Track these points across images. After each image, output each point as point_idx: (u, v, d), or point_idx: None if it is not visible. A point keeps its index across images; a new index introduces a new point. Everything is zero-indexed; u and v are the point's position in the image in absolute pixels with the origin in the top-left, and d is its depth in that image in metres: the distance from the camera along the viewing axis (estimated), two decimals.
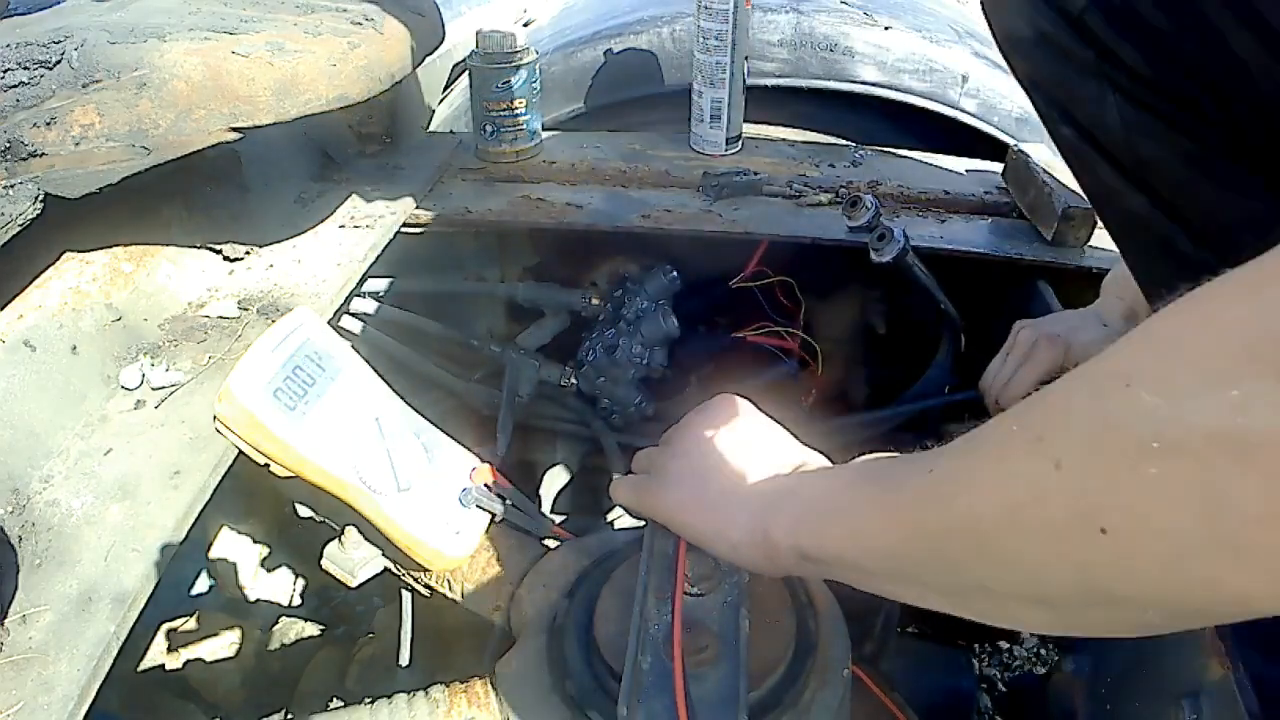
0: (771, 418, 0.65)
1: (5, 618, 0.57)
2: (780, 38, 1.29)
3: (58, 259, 0.80)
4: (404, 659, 0.88)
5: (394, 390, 0.75)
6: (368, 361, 0.73)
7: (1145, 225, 0.70)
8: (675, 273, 1.16)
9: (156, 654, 1.01)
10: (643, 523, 0.69)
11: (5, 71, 0.66)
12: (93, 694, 0.55)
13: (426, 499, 0.72)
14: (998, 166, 1.20)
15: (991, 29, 0.77)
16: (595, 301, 1.19)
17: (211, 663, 1.04)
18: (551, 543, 0.81)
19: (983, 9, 0.78)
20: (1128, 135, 0.66)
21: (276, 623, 1.13)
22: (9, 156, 0.66)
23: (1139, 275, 0.76)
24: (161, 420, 0.73)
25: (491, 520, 0.77)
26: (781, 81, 1.29)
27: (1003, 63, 0.81)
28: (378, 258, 0.99)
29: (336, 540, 0.75)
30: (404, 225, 1.06)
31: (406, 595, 0.85)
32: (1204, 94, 0.61)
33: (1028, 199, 1.11)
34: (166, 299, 0.86)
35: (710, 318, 1.27)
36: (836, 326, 1.32)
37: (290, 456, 0.65)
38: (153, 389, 0.76)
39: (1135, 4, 0.62)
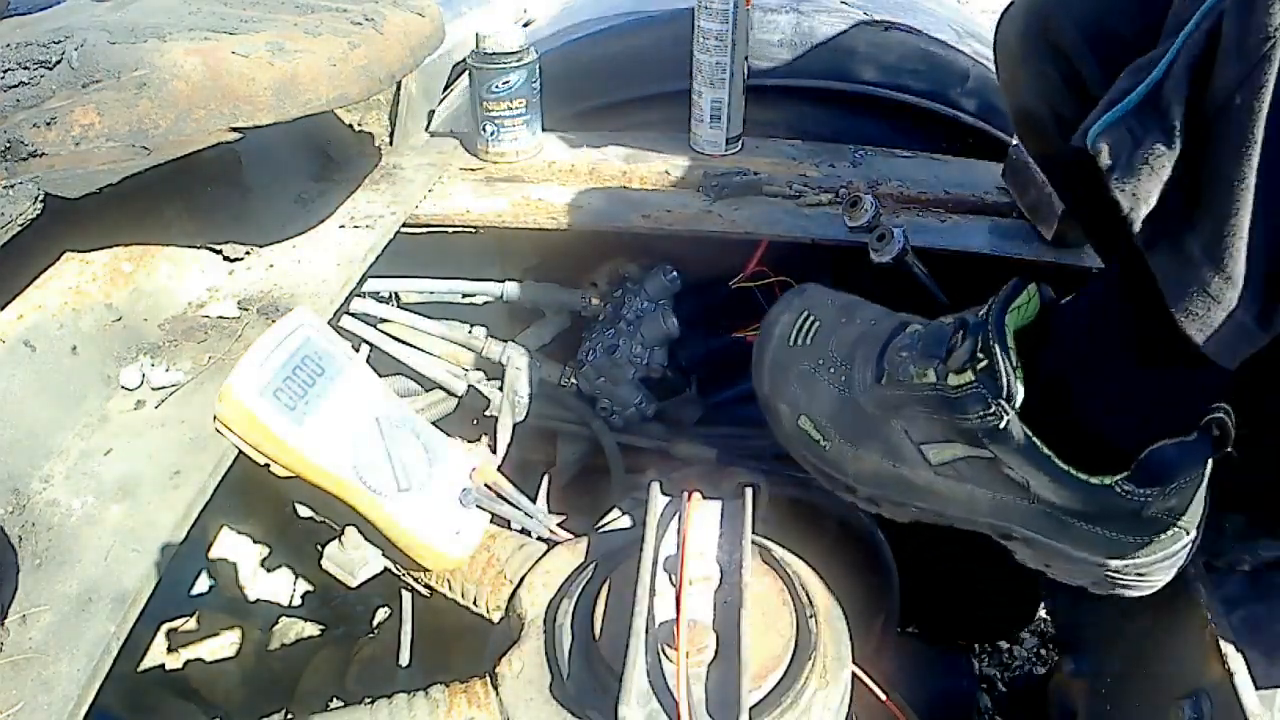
0: None
1: (5, 618, 0.57)
2: (780, 38, 1.29)
3: (58, 259, 0.80)
4: (404, 659, 0.88)
5: (394, 390, 0.75)
6: (368, 361, 0.73)
7: None
8: (675, 273, 1.16)
9: (156, 654, 1.01)
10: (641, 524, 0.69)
11: (5, 71, 0.66)
12: (93, 694, 0.55)
13: (426, 499, 0.72)
14: (998, 166, 1.20)
15: (1008, 105, 0.78)
16: (595, 301, 1.19)
17: (211, 663, 1.04)
18: (552, 542, 0.81)
19: (1000, 84, 0.79)
20: None
21: (276, 623, 1.13)
22: (9, 156, 0.66)
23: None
24: (161, 420, 0.73)
25: (491, 520, 0.77)
26: (781, 81, 1.29)
27: None
28: (378, 258, 0.99)
29: (336, 540, 0.75)
30: (404, 225, 1.06)
31: (406, 595, 0.85)
32: None
33: (1028, 199, 1.11)
34: (166, 299, 0.86)
35: (710, 318, 1.27)
36: None
37: (290, 456, 0.65)
38: (153, 389, 0.76)
39: (1164, 94, 0.60)
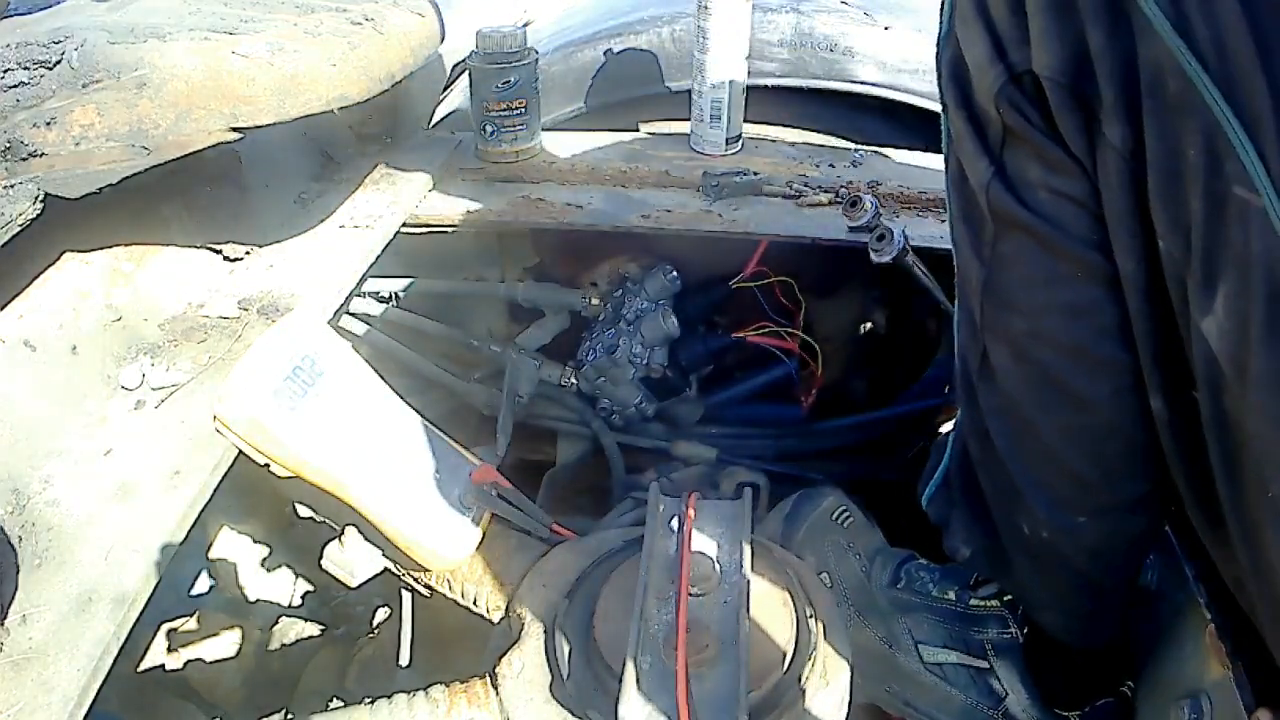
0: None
1: (5, 618, 0.57)
2: (780, 38, 1.29)
3: (58, 259, 0.80)
4: (404, 659, 0.88)
5: (394, 390, 0.75)
6: (368, 361, 0.74)
7: None
8: (675, 273, 1.16)
9: (156, 654, 1.01)
10: (641, 524, 0.70)
11: (5, 71, 0.66)
12: (93, 694, 0.55)
13: (426, 499, 0.72)
14: None
15: None
16: (595, 301, 1.19)
17: (211, 663, 1.04)
18: (552, 542, 0.81)
19: None
20: None
21: (276, 623, 1.13)
22: (9, 156, 0.66)
23: None
24: (161, 420, 0.73)
25: (491, 520, 0.77)
26: (781, 81, 1.29)
27: None
28: (378, 258, 0.99)
29: (336, 540, 0.75)
30: (404, 225, 1.06)
31: (406, 595, 0.85)
32: None
33: None
34: (166, 299, 0.86)
35: (710, 318, 1.27)
36: (836, 326, 1.32)
37: (290, 456, 0.65)
38: (153, 389, 0.76)
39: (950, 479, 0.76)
